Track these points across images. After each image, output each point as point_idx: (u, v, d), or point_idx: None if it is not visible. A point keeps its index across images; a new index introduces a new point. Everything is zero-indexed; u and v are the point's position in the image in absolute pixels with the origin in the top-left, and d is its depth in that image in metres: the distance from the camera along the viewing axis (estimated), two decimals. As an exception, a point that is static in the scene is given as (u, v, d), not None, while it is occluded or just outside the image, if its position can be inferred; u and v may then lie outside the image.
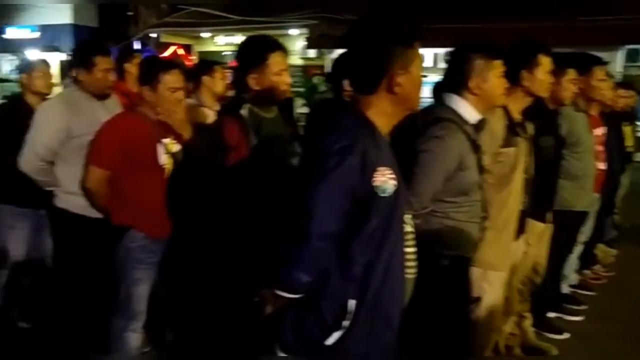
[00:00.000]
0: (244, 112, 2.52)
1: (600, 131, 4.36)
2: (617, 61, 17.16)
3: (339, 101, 2.98)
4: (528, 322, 3.74)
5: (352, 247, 1.66)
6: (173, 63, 3.07)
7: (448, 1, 13.26)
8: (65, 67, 9.86)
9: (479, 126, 2.42)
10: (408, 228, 1.82)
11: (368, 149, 1.62)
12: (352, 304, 1.68)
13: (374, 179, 1.62)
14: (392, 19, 1.74)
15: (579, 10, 16.20)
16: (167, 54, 15.24)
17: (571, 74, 3.33)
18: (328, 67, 15.70)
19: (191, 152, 2.75)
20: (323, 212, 1.62)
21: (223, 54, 15.60)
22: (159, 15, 16.19)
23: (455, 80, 2.43)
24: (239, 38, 16.06)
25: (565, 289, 4.64)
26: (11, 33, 14.13)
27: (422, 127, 2.34)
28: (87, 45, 3.67)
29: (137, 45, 14.00)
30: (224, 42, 16.24)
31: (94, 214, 3.04)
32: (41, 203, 3.42)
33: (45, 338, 3.44)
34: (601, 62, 3.90)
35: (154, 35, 15.67)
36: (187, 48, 16.74)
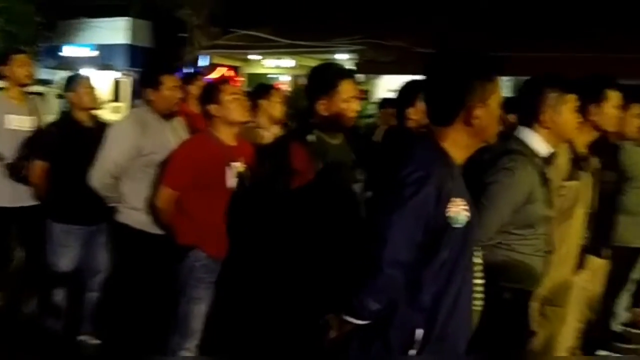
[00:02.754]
0: (311, 137, 2.57)
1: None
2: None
3: (410, 130, 3.01)
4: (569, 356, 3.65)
5: (422, 276, 1.69)
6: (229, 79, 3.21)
7: (505, 29, 13.22)
8: (135, 86, 10.15)
9: (549, 159, 2.42)
10: (477, 260, 1.83)
11: (443, 180, 1.65)
12: (419, 333, 1.69)
13: (448, 209, 1.64)
14: (473, 52, 1.77)
15: (616, 43, 15.91)
16: (214, 75, 15.59)
17: (636, 108, 3.30)
18: (374, 92, 15.80)
19: (257, 175, 2.81)
20: (397, 240, 1.65)
21: (270, 76, 15.89)
22: (210, 38, 16.62)
23: (528, 112, 2.44)
24: (288, 61, 16.36)
25: (616, 327, 4.52)
26: (68, 51, 14.66)
27: (492, 159, 2.36)
28: (154, 65, 3.79)
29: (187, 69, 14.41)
30: (272, 65, 16.53)
31: (154, 230, 3.14)
32: (94, 220, 3.54)
33: (108, 352, 3.51)
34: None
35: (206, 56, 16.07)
36: (235, 70, 17.09)
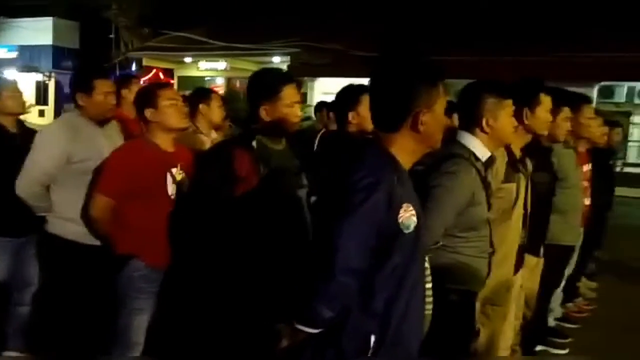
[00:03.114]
0: (254, 143, 2.53)
1: (586, 167, 4.49)
2: (593, 97, 17.72)
3: (350, 135, 3.00)
4: (518, 356, 3.76)
5: (374, 282, 1.67)
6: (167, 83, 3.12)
7: (437, 33, 13.56)
8: (61, 88, 9.77)
9: (489, 163, 2.47)
10: (426, 264, 1.84)
11: (393, 185, 1.65)
12: (373, 339, 1.68)
13: (400, 215, 1.64)
14: (417, 57, 1.78)
15: (558, 47, 16.73)
16: (147, 77, 15.21)
17: (566, 112, 3.43)
18: (310, 95, 15.83)
19: (198, 181, 2.74)
20: (349, 247, 1.63)
21: (205, 79, 15.65)
22: (141, 39, 16.20)
23: (468, 117, 2.49)
24: (222, 64, 16.17)
25: (551, 322, 4.70)
26: (-12, 52, 13.97)
27: (435, 163, 2.39)
28: (86, 68, 3.63)
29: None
30: (206, 68, 16.29)
31: (88, 240, 3.00)
32: (23, 231, 3.36)
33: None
34: (588, 100, 4.03)
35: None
36: (169, 72, 16.73)
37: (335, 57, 14.42)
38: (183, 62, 16.38)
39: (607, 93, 18.52)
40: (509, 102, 2.46)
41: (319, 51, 14.44)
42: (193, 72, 16.66)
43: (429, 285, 1.86)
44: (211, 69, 16.07)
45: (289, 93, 2.54)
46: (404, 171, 1.74)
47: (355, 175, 1.67)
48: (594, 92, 17.72)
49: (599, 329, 4.89)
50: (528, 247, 3.35)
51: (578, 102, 3.94)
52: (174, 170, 2.87)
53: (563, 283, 4.74)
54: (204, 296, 2.61)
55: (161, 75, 16.00)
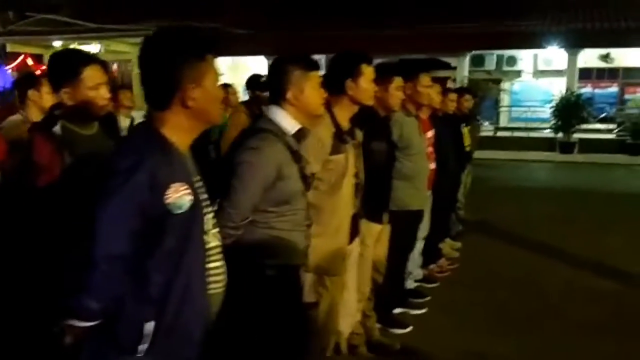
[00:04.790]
0: (56, 129, 2.39)
1: (430, 134, 4.68)
2: (465, 66, 18.61)
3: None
4: (372, 321, 3.89)
5: (147, 267, 1.62)
6: None
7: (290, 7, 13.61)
8: None
9: (300, 136, 2.47)
10: (214, 243, 1.80)
11: (158, 166, 1.59)
12: (149, 326, 1.63)
13: (167, 196, 1.59)
14: (182, 32, 1.72)
15: (431, 19, 17.40)
16: (14, 64, 14.20)
17: (397, 81, 3.51)
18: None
19: (3, 171, 2.56)
20: (109, 234, 1.56)
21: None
22: (4, 23, 15.05)
23: (275, 91, 2.47)
24: (95, 47, 15.38)
25: (411, 284, 4.89)
26: None
27: (241, 139, 2.36)
28: None
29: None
30: (79, 51, 15.44)
31: None
32: None
33: None
34: (426, 69, 4.18)
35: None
36: (39, 58, 15.70)
37: (214, 36, 14.16)
38: (52, 47, 15.40)
39: (478, 62, 19.50)
40: (315, 73, 2.46)
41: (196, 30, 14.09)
42: (65, 57, 15.74)
43: (218, 264, 1.83)
44: (85, 53, 15.25)
45: (91, 74, 2.42)
46: (175, 150, 1.68)
47: (115, 158, 1.61)
48: (466, 61, 18.64)
49: (459, 286, 5.17)
50: (369, 215, 3.45)
51: (414, 71, 4.07)
52: None
53: (420, 246, 4.95)
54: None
55: (30, 61, 14.99)
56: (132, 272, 1.61)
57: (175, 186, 1.61)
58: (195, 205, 1.66)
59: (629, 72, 20.28)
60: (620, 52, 19.05)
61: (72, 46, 15.34)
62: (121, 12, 14.86)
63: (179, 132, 1.70)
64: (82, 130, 2.47)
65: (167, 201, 1.59)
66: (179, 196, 1.61)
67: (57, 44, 15.18)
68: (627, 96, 20.49)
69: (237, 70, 16.02)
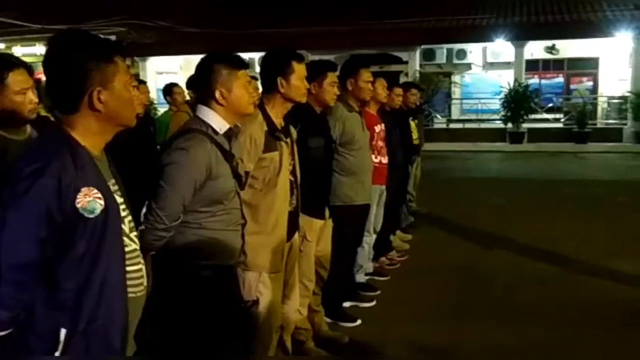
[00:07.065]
0: (-19, 135, 2.33)
1: (379, 128, 4.72)
2: (416, 60, 18.86)
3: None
4: (320, 315, 3.91)
5: (57, 273, 1.58)
6: None
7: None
8: None
9: (230, 135, 2.46)
10: (132, 246, 1.78)
11: (65, 170, 1.56)
12: (63, 333, 1.60)
13: (77, 200, 1.56)
14: (88, 34, 1.70)
15: (381, 13, 17.58)
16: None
17: (331, 77, 3.53)
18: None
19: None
20: (13, 242, 1.52)
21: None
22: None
23: (203, 90, 2.45)
24: (41, 48, 14.96)
25: (361, 278, 4.93)
26: None
27: (170, 140, 2.34)
28: None
29: None
30: (23, 53, 14.98)
31: None
32: None
33: None
34: (367, 65, 4.21)
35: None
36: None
37: (164, 35, 13.94)
38: (-4, 49, 14.94)
39: (429, 56, 19.76)
40: (243, 72, 2.45)
41: (145, 29, 13.86)
42: (9, 59, 15.26)
43: (137, 267, 1.80)
44: (29, 54, 14.79)
45: (16, 79, 2.40)
46: (85, 154, 1.65)
47: (20, 164, 1.57)
48: (417, 55, 18.88)
49: (409, 278, 5.24)
50: (310, 211, 3.46)
51: (354, 67, 4.11)
52: None
53: (372, 239, 4.99)
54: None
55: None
56: (42, 279, 1.57)
57: (85, 190, 1.58)
58: (109, 209, 1.64)
59: (574, 62, 20.88)
60: (565, 43, 19.58)
61: (14, 47, 14.94)
62: (67, 13, 14.49)
63: (90, 135, 1.68)
64: (12, 136, 2.44)
65: (78, 205, 1.56)
66: (90, 200, 1.59)
67: (1, 45, 14.73)
68: (572, 86, 21.09)
69: (190, 68, 15.80)
